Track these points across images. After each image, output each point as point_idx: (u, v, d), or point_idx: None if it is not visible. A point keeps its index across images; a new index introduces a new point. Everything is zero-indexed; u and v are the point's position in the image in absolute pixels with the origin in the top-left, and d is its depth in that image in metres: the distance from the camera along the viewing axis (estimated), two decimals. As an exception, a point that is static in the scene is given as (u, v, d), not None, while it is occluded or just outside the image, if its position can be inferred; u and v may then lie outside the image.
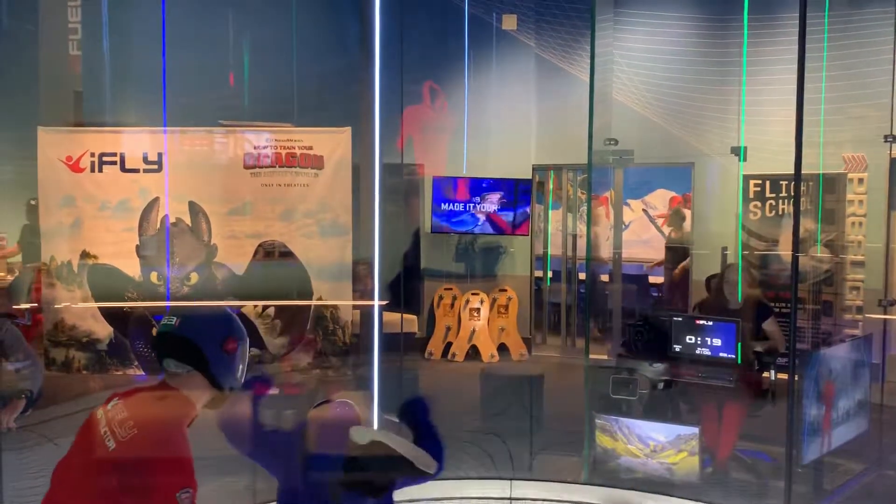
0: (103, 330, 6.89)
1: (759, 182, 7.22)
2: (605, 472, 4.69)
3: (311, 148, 7.00)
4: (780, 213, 7.16)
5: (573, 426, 5.10)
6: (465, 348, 8.13)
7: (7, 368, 4.20)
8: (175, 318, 2.22)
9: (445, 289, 8.37)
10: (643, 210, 8.60)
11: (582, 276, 8.67)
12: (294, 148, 6.99)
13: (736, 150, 5.52)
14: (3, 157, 7.97)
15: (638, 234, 8.55)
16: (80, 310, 6.86)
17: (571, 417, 5.28)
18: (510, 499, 4.55)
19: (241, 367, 2.28)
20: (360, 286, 6.92)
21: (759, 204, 7.27)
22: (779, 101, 6.79)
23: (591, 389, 4.91)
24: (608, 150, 6.20)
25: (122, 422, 2.10)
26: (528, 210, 8.19)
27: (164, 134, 6.79)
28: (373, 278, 5.28)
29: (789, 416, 4.27)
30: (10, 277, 7.80)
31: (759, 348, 4.92)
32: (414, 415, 2.54)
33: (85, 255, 6.83)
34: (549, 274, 8.87)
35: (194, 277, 6.93)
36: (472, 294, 8.24)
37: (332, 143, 7.00)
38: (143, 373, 6.86)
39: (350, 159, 6.97)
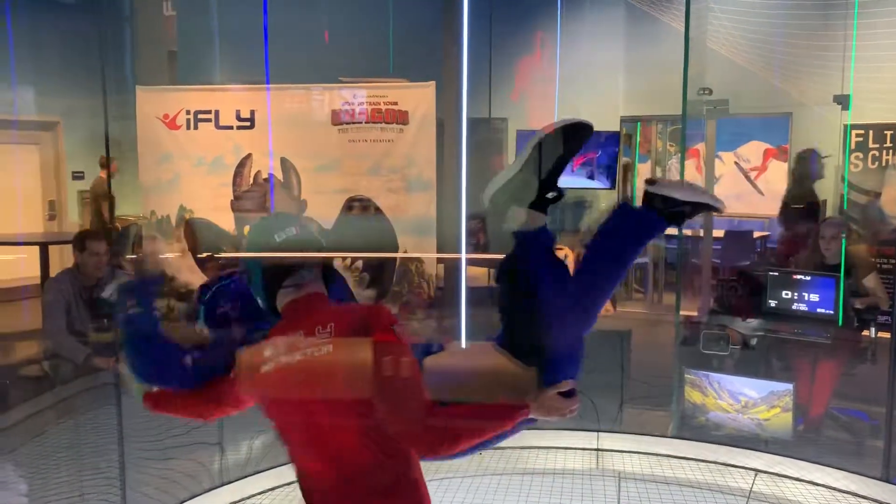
0: (200, 281, 7.19)
1: (862, 132, 6.87)
2: (694, 427, 4.66)
3: (396, 103, 7.04)
4: (884, 164, 6.81)
5: (660, 382, 5.06)
6: (548, 303, 8.12)
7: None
8: None
9: (528, 243, 8.33)
10: (735, 163, 8.32)
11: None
12: (380, 104, 7.05)
13: (839, 99, 5.25)
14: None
15: (729, 189, 8.28)
16: (179, 262, 7.18)
17: (658, 373, 5.24)
18: (597, 449, 4.59)
19: None
20: (473, 240, 6.96)
21: (860, 155, 6.93)
22: (885, 46, 6.41)
23: (680, 345, 4.85)
24: (702, 99, 5.98)
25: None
26: (614, 163, 8.02)
27: (268, 91, 6.92)
28: (481, 234, 5.35)
29: (890, 374, 4.14)
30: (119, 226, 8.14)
31: (858, 305, 4.75)
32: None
33: (182, 209, 7.12)
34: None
35: (286, 232, 7.14)
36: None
37: (417, 98, 7.01)
38: (239, 323, 7.15)
39: (434, 114, 6.97)
